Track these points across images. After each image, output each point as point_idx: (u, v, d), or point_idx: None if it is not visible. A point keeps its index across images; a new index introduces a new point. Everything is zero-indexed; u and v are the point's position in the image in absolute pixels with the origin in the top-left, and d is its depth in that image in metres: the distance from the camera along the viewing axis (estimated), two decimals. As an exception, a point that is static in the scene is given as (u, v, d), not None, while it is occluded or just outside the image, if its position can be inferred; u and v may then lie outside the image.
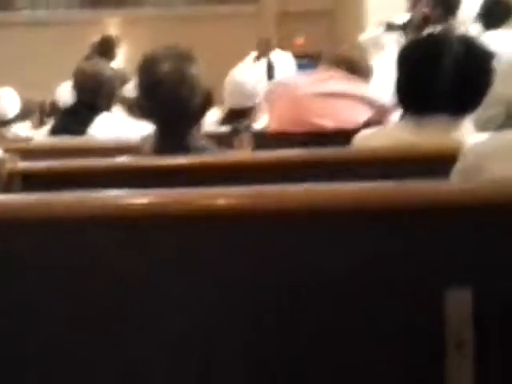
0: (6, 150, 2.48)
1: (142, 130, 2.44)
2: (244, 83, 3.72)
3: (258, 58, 9.66)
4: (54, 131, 3.38)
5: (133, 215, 1.24)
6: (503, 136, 1.33)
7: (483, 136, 1.45)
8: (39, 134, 3.63)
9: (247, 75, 3.80)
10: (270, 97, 3.26)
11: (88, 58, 6.99)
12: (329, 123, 2.92)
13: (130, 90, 3.41)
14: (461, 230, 1.21)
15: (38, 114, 7.59)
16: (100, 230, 1.25)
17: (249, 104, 3.72)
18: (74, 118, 3.37)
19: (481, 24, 5.24)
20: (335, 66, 3.06)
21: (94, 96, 3.40)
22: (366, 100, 2.99)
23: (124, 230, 1.25)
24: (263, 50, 9.80)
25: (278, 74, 8.90)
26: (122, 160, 2.11)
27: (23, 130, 5.01)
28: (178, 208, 1.24)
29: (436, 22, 5.81)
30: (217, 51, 12.43)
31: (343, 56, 3.10)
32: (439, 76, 2.03)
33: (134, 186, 1.32)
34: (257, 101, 3.70)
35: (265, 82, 3.89)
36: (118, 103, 4.10)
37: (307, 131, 2.88)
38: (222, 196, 1.25)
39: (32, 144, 3.49)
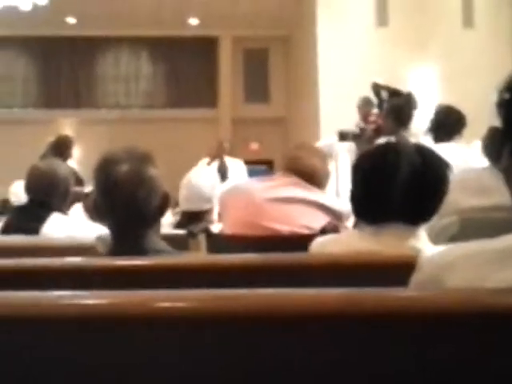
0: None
1: (97, 230, 2.41)
2: (200, 187, 3.75)
3: (210, 162, 9.77)
4: (6, 230, 3.33)
5: (87, 316, 1.22)
6: (459, 248, 1.34)
7: (438, 248, 1.46)
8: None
9: (203, 179, 3.83)
10: (225, 201, 3.26)
11: (44, 156, 7.00)
12: (284, 228, 2.93)
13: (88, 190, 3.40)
14: (420, 338, 1.21)
15: (-12, 211, 7.52)
16: (52, 330, 1.23)
17: (204, 207, 3.74)
18: (27, 217, 3.33)
19: (432, 136, 5.37)
20: (290, 173, 3.08)
21: (47, 195, 3.37)
22: (322, 206, 3.01)
23: (77, 330, 1.23)
24: (217, 153, 9.93)
25: (231, 179, 9.00)
26: (77, 260, 2.08)
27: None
28: (132, 309, 1.23)
29: (388, 133, 5.95)
30: (173, 153, 12.57)
31: (298, 162, 3.11)
32: (396, 185, 2.06)
33: (88, 286, 1.30)
34: (212, 204, 3.71)
35: (219, 186, 3.91)
36: (77, 203, 4.09)
37: (263, 235, 2.89)
38: (179, 299, 1.24)
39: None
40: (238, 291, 1.27)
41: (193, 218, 3.68)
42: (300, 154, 3.14)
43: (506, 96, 1.20)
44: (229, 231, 3.07)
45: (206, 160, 9.95)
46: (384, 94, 7.43)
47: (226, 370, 1.23)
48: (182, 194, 3.81)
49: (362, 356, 1.22)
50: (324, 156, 3.27)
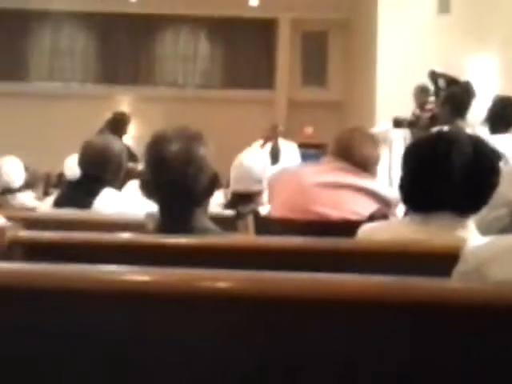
0: (10, 218, 2.49)
1: (148, 207, 2.44)
2: (251, 168, 3.75)
3: (264, 144, 9.78)
4: (59, 203, 3.38)
5: (133, 292, 1.24)
6: (503, 240, 1.33)
7: (484, 239, 1.45)
8: (44, 205, 3.63)
9: (254, 160, 3.83)
10: (273, 183, 3.26)
11: (100, 132, 7.09)
12: (333, 212, 2.92)
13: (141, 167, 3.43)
14: (461, 329, 1.20)
15: (43, 184, 7.65)
16: (99, 304, 1.25)
17: (254, 189, 3.74)
18: (80, 191, 3.37)
19: (488, 127, 5.29)
20: (340, 157, 3.06)
21: (100, 170, 3.40)
22: (372, 193, 2.99)
23: (123, 305, 1.25)
24: (270, 136, 9.93)
25: (283, 161, 9.00)
26: (125, 236, 2.11)
27: (29, 199, 5.03)
28: (178, 288, 1.24)
29: (443, 122, 5.87)
30: (228, 134, 12.59)
31: (349, 147, 3.08)
32: (446, 175, 2.04)
33: (135, 262, 1.32)
34: (262, 186, 3.72)
35: (270, 168, 3.90)
36: (131, 180, 4.13)
37: (311, 219, 2.88)
38: (223, 279, 1.25)
39: (36, 214, 3.50)
40: (282, 274, 1.27)
41: (242, 199, 3.69)
42: (351, 139, 3.11)
43: None
44: (277, 214, 3.07)
45: (259, 142, 9.97)
46: (441, 82, 7.33)
47: (267, 352, 1.23)
48: (233, 174, 3.82)
49: (404, 345, 1.22)
50: (376, 141, 3.23)
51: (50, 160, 9.85)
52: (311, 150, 11.83)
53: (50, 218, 3.18)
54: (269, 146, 9.83)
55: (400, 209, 2.97)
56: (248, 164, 3.78)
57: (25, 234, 2.10)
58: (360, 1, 13.53)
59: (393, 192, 3.02)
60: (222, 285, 1.23)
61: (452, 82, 7.10)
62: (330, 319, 1.23)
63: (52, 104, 14.39)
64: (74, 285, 1.25)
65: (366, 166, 3.05)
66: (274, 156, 9.29)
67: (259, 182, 3.72)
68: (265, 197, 3.62)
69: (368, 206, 2.94)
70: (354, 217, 2.90)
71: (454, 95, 6.13)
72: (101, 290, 1.25)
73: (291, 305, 1.23)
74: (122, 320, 1.25)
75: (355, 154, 3.04)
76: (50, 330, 1.25)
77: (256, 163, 3.80)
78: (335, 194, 2.95)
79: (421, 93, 8.02)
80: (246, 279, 1.25)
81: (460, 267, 1.38)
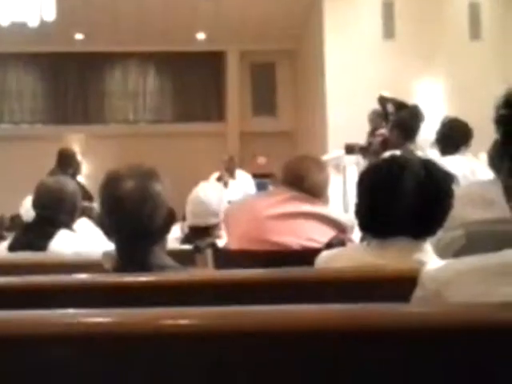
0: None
1: (104, 245, 2.42)
2: (207, 201, 3.75)
3: (220, 177, 9.79)
4: (14, 247, 3.34)
5: (95, 334, 1.23)
6: (460, 263, 1.35)
7: (441, 262, 1.47)
8: (-2, 249, 3.57)
9: (210, 193, 3.83)
10: (229, 216, 3.27)
11: (52, 172, 7.01)
12: (292, 240, 2.93)
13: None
14: (422, 352, 1.21)
15: (-4, 228, 7.55)
16: (58, 349, 1.23)
17: (211, 222, 3.74)
18: (35, 234, 3.34)
19: (438, 149, 5.37)
20: (290, 186, 3.08)
21: (55, 212, 3.38)
22: (326, 219, 3.01)
23: (83, 348, 1.24)
24: (228, 168, 9.96)
25: (240, 193, 9.01)
26: (83, 277, 2.09)
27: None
28: (139, 328, 1.23)
29: (394, 146, 5.94)
30: (181, 167, 12.60)
31: (298, 174, 3.10)
32: (400, 199, 2.06)
33: (94, 303, 1.31)
34: (219, 219, 3.72)
35: (225, 201, 3.91)
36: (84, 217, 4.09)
37: (269, 250, 2.89)
38: (184, 316, 1.24)
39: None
40: (245, 308, 1.27)
41: (200, 233, 3.68)
42: (298, 167, 3.14)
43: (504, 112, 1.21)
44: (235, 246, 3.07)
45: (215, 175, 9.98)
46: (390, 107, 7.43)
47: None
48: (189, 208, 3.81)
49: (365, 372, 1.22)
50: (322, 165, 3.26)
51: (1, 203, 9.74)
52: (264, 180, 11.89)
53: (5, 262, 3.13)
54: (225, 178, 9.85)
55: (356, 234, 2.99)
56: (204, 197, 3.78)
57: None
58: (306, 30, 13.69)
59: (347, 217, 3.05)
60: (184, 322, 1.23)
61: (400, 106, 7.20)
62: (294, 350, 1.23)
63: (2, 146, 14.25)
64: (35, 330, 1.23)
65: (316, 191, 3.07)
66: (232, 187, 9.30)
67: (216, 215, 3.72)
68: (223, 229, 3.62)
69: (324, 233, 2.97)
70: (311, 244, 2.91)
71: (402, 120, 6.22)
72: (63, 334, 1.23)
73: (257, 338, 1.22)
74: (86, 363, 1.23)
75: (305, 182, 3.06)
76: (13, 378, 1.23)
77: (212, 196, 3.80)
78: (290, 223, 2.97)
79: (377, 117, 8.11)
80: (209, 315, 1.25)
81: (418, 292, 1.40)
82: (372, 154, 7.29)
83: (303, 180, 3.06)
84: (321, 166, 3.21)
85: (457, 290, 1.27)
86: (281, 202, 3.03)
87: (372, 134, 8.05)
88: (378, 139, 7.57)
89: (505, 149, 1.22)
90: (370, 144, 7.81)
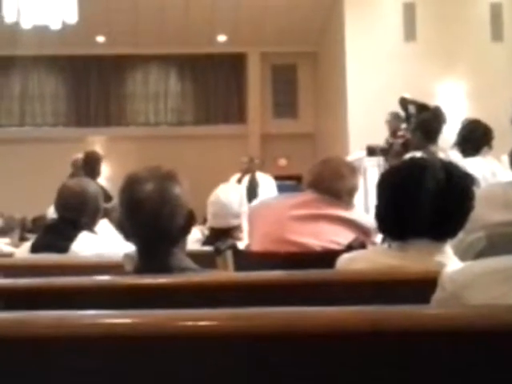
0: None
1: (125, 247, 2.43)
2: (228, 203, 3.75)
3: (240, 179, 9.81)
4: (36, 248, 3.36)
5: (116, 336, 1.23)
6: (480, 265, 1.35)
7: (461, 264, 1.46)
8: (21, 251, 3.60)
9: (231, 195, 3.83)
10: (253, 217, 3.26)
11: (73, 174, 7.05)
12: (314, 242, 2.93)
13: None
14: (442, 354, 1.21)
15: (19, 230, 7.60)
16: (79, 350, 1.24)
17: (232, 224, 3.75)
18: (57, 235, 3.36)
19: (459, 151, 5.35)
20: (316, 189, 3.07)
21: (77, 214, 3.39)
22: (350, 222, 3.00)
23: (104, 349, 1.24)
24: (248, 169, 9.97)
25: (262, 194, 9.02)
26: (104, 279, 2.10)
27: (4, 245, 4.99)
28: (159, 329, 1.23)
29: (415, 148, 5.92)
30: (202, 170, 12.62)
31: (324, 178, 3.09)
32: (421, 201, 2.05)
33: (115, 305, 1.31)
34: (240, 221, 3.72)
35: (246, 202, 3.90)
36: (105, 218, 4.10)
37: (290, 251, 2.88)
38: (204, 318, 1.25)
39: (13, 260, 3.47)
40: (263, 310, 1.27)
41: (220, 235, 3.68)
42: (325, 170, 3.12)
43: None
44: (257, 248, 3.07)
45: (236, 176, 10.00)
46: (412, 109, 7.40)
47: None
48: (210, 210, 3.82)
49: (390, 373, 1.22)
50: (352, 169, 3.23)
51: (24, 205, 9.80)
52: (287, 182, 11.89)
53: (28, 263, 3.16)
54: (246, 179, 9.86)
55: (379, 237, 2.98)
56: (225, 199, 3.78)
57: (2, 281, 2.09)
58: (328, 33, 13.68)
59: (371, 220, 3.03)
60: (205, 324, 1.23)
61: (422, 107, 7.18)
62: (313, 352, 1.23)
63: (24, 149, 14.35)
64: (56, 331, 1.24)
65: (341, 195, 3.06)
66: (253, 189, 9.31)
67: (237, 216, 3.73)
68: (244, 231, 3.62)
69: (346, 236, 2.96)
70: (332, 246, 2.91)
71: (424, 121, 6.19)
72: (84, 335, 1.24)
73: (278, 340, 1.23)
74: (106, 364, 1.24)
75: (330, 185, 3.05)
76: (34, 378, 1.24)
77: (233, 198, 3.80)
78: (313, 225, 2.97)
79: (394, 119, 8.10)
80: (228, 317, 1.25)
81: (438, 295, 1.39)
82: (393, 155, 7.28)
83: (329, 183, 3.05)
84: (350, 170, 3.18)
85: (476, 292, 1.27)
86: (304, 204, 3.03)
87: (393, 135, 8.03)
88: (399, 141, 7.56)
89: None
90: (391, 146, 7.79)
